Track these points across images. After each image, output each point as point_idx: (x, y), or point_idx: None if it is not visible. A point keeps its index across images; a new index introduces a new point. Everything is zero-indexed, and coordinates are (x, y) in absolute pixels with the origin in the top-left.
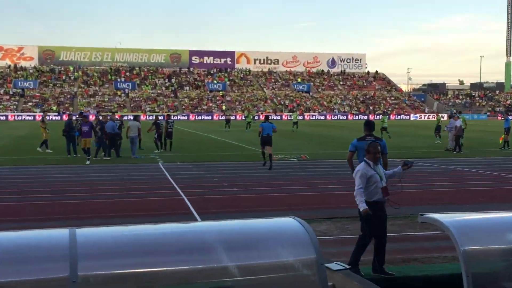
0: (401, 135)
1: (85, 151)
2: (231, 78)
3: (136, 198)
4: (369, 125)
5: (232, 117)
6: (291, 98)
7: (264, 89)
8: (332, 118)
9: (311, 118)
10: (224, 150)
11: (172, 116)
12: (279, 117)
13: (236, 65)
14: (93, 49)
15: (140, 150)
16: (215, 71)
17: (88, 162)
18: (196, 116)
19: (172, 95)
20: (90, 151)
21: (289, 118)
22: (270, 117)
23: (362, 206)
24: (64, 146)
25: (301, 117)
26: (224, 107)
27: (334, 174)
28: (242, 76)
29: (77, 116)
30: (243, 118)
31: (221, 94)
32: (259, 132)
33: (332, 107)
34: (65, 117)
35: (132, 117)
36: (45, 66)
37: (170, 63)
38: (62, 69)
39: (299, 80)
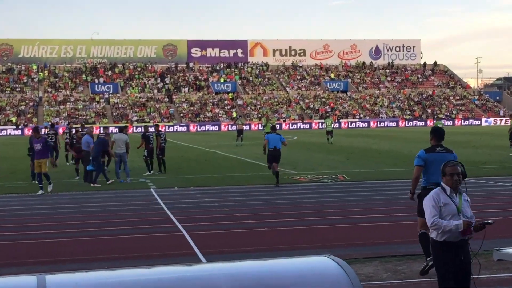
0: (469, 145)
1: (38, 177)
2: (243, 75)
3: (122, 236)
4: (438, 132)
5: (246, 127)
6: (323, 100)
7: (287, 88)
8: (378, 125)
9: (349, 126)
10: (236, 171)
11: (159, 127)
12: (307, 126)
13: (250, 58)
14: (62, 41)
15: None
16: (222, 66)
17: (41, 192)
18: (198, 127)
19: (167, 99)
20: (47, 176)
21: (321, 126)
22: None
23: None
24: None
25: (336, 125)
26: (234, 114)
27: (381, 200)
28: (257, 72)
29: (47, 129)
30: (261, 128)
31: (230, 97)
32: (263, 146)
33: (377, 111)
34: (27, 131)
35: (116, 130)
36: (0, 65)
37: (163, 58)
38: (23, 68)
39: (332, 76)
